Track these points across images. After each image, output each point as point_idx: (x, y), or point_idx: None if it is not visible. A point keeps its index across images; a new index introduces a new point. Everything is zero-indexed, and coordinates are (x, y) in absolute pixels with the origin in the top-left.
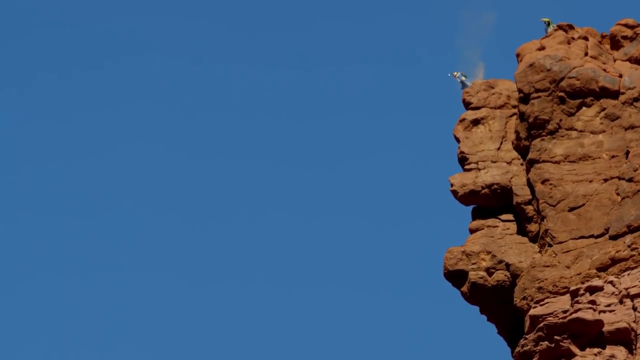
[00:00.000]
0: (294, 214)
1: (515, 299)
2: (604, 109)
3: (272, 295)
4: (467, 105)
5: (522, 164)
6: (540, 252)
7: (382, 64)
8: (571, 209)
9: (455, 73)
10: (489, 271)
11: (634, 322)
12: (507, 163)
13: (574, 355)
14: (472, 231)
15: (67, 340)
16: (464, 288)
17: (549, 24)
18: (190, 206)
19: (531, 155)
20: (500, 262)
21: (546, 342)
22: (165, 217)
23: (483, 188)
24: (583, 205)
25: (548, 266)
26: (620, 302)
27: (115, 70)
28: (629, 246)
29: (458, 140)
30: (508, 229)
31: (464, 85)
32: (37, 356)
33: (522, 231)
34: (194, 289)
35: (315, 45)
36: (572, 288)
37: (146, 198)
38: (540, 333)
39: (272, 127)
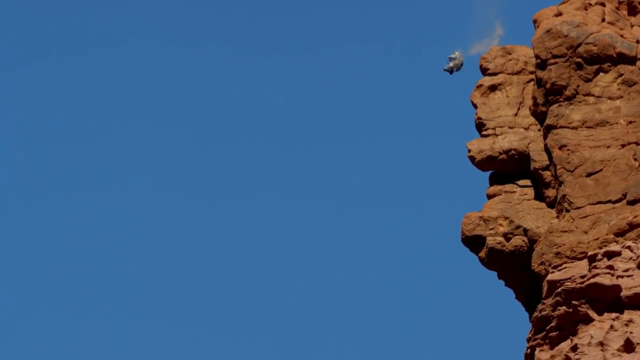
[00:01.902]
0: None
1: (533, 264)
2: (621, 75)
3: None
4: (485, 71)
5: (539, 130)
6: (557, 217)
7: (401, 29)
8: (589, 175)
9: (457, 54)
10: (507, 236)
11: None
12: (525, 129)
13: (592, 320)
14: (489, 197)
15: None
16: (482, 253)
17: None
18: (193, 191)
19: (548, 121)
20: (518, 227)
21: (564, 307)
22: (169, 199)
23: (500, 154)
24: (600, 170)
25: (566, 231)
26: (638, 267)
27: (117, 90)
28: None
29: (475, 106)
30: (526, 194)
31: (451, 67)
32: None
33: (539, 196)
34: (199, 268)
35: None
36: (589, 253)
37: (148, 179)
38: (558, 298)
39: (276, 108)
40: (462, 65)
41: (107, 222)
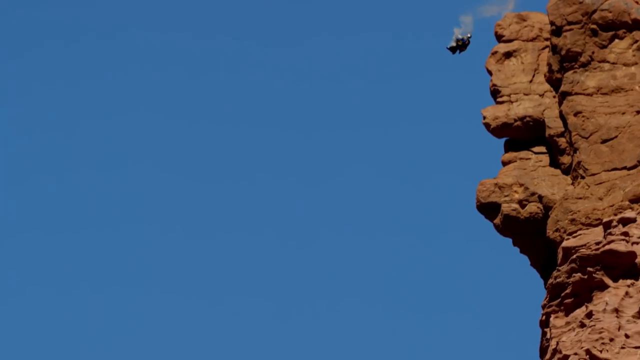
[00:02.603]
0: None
1: (548, 231)
2: (636, 41)
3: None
4: (500, 38)
5: (554, 97)
6: (572, 184)
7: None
8: (604, 141)
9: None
10: (522, 203)
11: None
12: (540, 95)
13: (607, 286)
14: (504, 163)
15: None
16: (497, 220)
17: None
18: (190, 222)
19: (564, 87)
20: (533, 194)
21: (579, 274)
22: (169, 180)
23: (515, 120)
24: (616, 137)
25: (581, 198)
26: None
27: (115, 80)
28: None
29: (490, 73)
30: (541, 161)
31: (453, 47)
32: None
33: (554, 163)
34: (196, 241)
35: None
36: (604, 220)
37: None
38: (573, 265)
39: (277, 94)
40: (467, 44)
41: (105, 205)
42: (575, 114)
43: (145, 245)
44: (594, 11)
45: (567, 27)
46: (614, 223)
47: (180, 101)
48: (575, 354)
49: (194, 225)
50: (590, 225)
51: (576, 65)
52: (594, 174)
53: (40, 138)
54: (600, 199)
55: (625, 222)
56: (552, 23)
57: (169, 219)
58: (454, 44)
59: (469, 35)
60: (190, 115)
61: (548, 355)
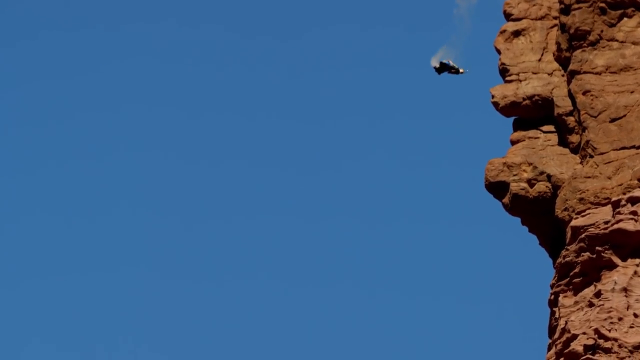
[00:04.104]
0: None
1: (556, 210)
2: None
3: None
4: (508, 16)
5: (563, 75)
6: (581, 163)
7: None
8: (612, 120)
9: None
10: (530, 182)
11: None
12: (548, 74)
13: (616, 265)
14: (513, 143)
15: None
16: (505, 199)
17: None
18: (189, 207)
19: (572, 66)
20: (542, 173)
21: (588, 253)
22: (165, 218)
23: (524, 99)
24: (624, 116)
25: (589, 177)
26: None
27: (113, 72)
28: None
29: (499, 51)
30: (549, 140)
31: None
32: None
33: (563, 142)
34: (194, 288)
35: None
36: (613, 199)
37: (146, 199)
38: (581, 244)
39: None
40: (457, 72)
41: (104, 191)
42: (584, 93)
43: (144, 232)
44: None
45: (576, 6)
46: (623, 202)
47: (180, 96)
48: (584, 333)
49: (195, 210)
50: (598, 204)
51: (585, 44)
52: (602, 153)
53: (30, 130)
54: (609, 178)
55: (634, 201)
56: (560, 1)
57: (168, 203)
58: (439, 65)
59: (461, 71)
60: (191, 107)
61: (557, 335)
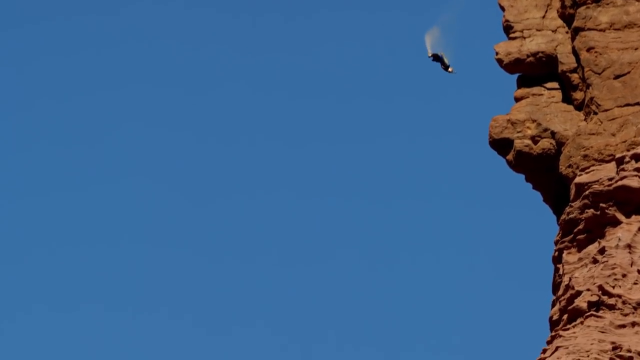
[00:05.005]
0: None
1: (560, 166)
2: None
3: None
4: None
5: (567, 32)
6: (585, 119)
7: None
8: (616, 77)
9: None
10: (534, 139)
11: None
12: (552, 31)
13: (620, 222)
14: (517, 99)
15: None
16: (509, 156)
17: None
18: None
19: (576, 23)
20: (546, 130)
21: (592, 210)
22: (168, 202)
23: (528, 56)
24: (628, 72)
25: (593, 134)
26: None
27: (118, 54)
28: None
29: (503, 8)
30: (553, 97)
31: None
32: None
33: (567, 99)
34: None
35: None
36: (617, 155)
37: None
38: (585, 201)
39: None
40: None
41: (106, 220)
42: (588, 50)
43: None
44: None
45: None
46: (627, 159)
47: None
48: (588, 289)
49: (200, 186)
50: (603, 161)
51: (589, 1)
52: (606, 110)
53: (43, 149)
54: (613, 134)
55: (638, 157)
56: None
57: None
58: (432, 56)
59: (450, 70)
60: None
61: (560, 291)
